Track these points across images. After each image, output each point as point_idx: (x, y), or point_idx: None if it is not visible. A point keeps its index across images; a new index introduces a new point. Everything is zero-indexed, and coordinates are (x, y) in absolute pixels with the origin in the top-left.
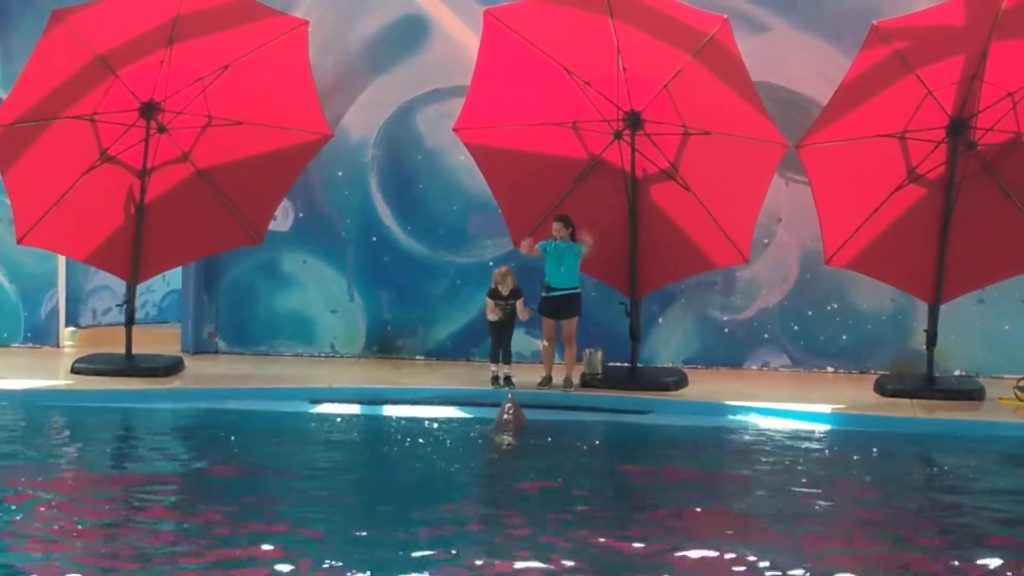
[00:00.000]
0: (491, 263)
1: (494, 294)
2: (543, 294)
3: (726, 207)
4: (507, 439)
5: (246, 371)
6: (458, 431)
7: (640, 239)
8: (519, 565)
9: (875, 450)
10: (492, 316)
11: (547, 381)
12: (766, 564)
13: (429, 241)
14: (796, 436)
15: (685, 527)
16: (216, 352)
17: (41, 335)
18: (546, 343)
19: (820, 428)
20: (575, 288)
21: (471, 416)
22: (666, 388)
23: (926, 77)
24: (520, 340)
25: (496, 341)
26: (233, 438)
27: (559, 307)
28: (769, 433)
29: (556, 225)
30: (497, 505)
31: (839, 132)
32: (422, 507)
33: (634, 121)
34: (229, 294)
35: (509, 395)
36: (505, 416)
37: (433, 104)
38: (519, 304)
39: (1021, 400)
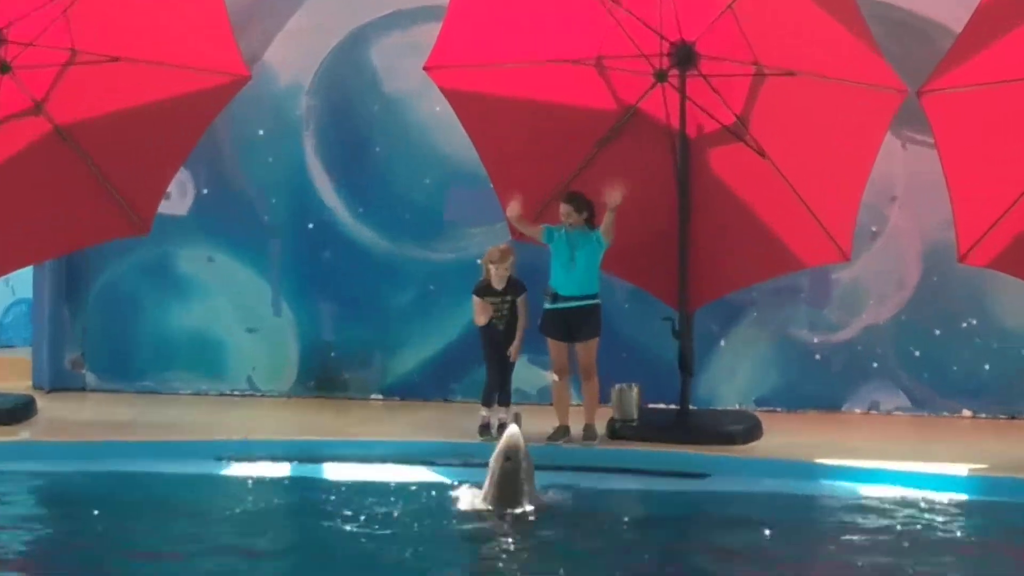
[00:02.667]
0: (477, 261)
1: (483, 288)
2: (546, 305)
3: (818, 181)
4: (504, 507)
5: (126, 417)
6: (430, 502)
7: (694, 228)
8: None
9: None
10: (480, 318)
11: (563, 433)
12: None
13: (390, 229)
14: (918, 510)
15: None
16: (83, 389)
17: None
18: (555, 376)
19: (953, 498)
20: (593, 297)
21: (448, 480)
22: (731, 440)
23: None
24: (521, 373)
25: (495, 373)
26: (106, 514)
27: (570, 324)
28: (879, 506)
29: (564, 208)
30: None
31: (978, 73)
32: None
33: (685, 56)
34: (100, 306)
35: (511, 422)
36: (503, 465)
37: (395, 31)
38: (518, 333)
39: None
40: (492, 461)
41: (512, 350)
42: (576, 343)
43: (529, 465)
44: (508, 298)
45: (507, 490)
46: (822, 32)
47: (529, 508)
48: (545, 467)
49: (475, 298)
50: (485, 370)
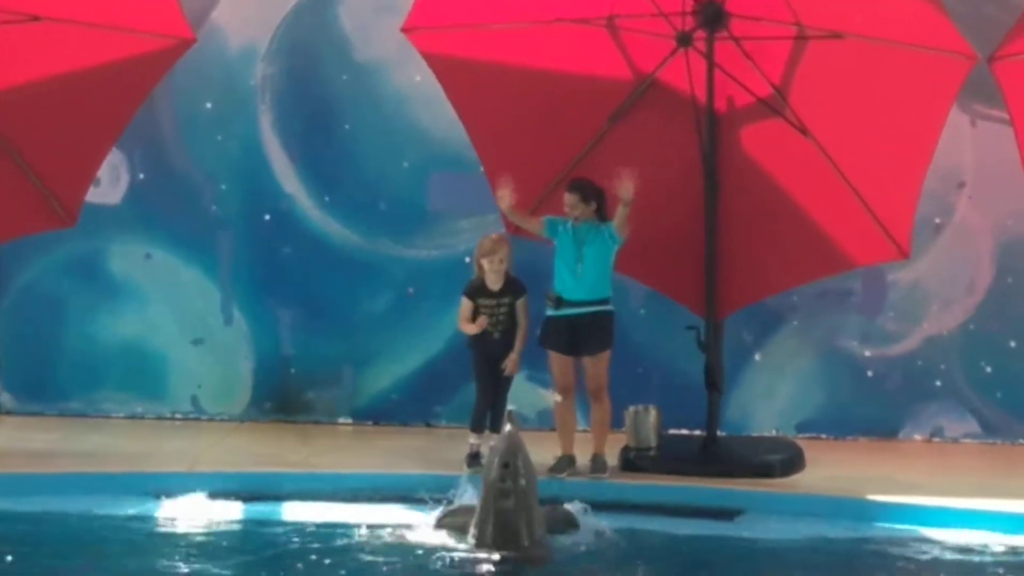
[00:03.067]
0: (466, 259)
1: (476, 289)
2: (549, 311)
3: (870, 164)
4: (500, 544)
5: (46, 444)
6: (408, 547)
7: (723, 220)
8: None
9: None
10: (470, 327)
11: (567, 463)
12: None
13: (361, 221)
14: (990, 556)
15: None
16: None
17: None
18: (558, 397)
19: None
20: (603, 302)
21: (431, 520)
22: (768, 473)
23: None
24: (518, 392)
25: (486, 392)
26: (23, 560)
27: (576, 334)
28: (943, 552)
29: (568, 198)
30: None
31: None
32: None
33: (713, 15)
34: (17, 314)
35: (505, 422)
36: (500, 474)
37: None
38: (516, 343)
39: None
40: (484, 475)
41: (509, 362)
42: (583, 357)
43: (532, 483)
44: (505, 300)
45: (505, 514)
46: None
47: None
48: (545, 504)
49: (464, 300)
50: (475, 388)
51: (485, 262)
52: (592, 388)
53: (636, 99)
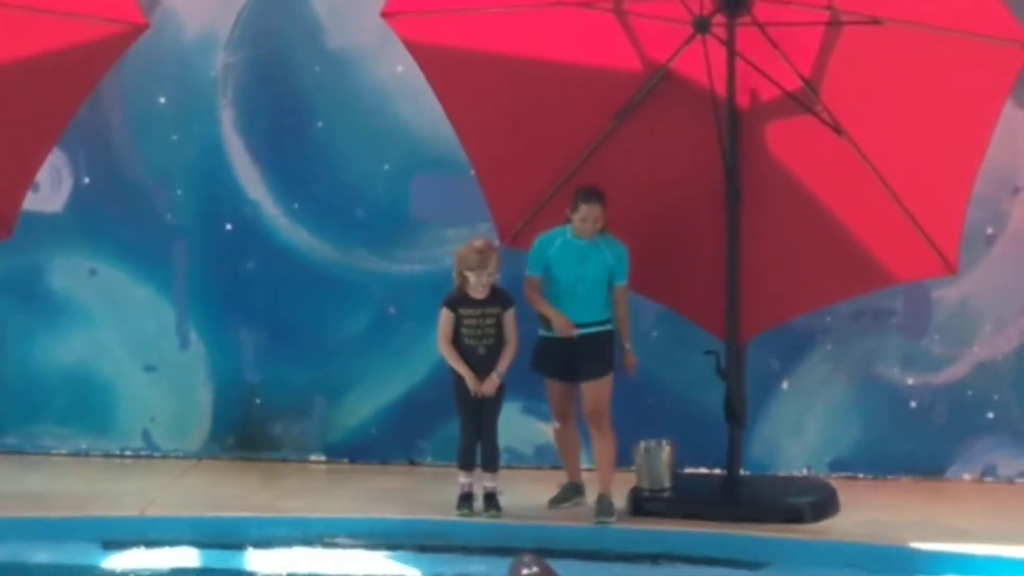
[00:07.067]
0: (455, 276)
1: (456, 298)
2: (541, 332)
3: (912, 166)
4: None
5: None
6: None
7: (745, 229)
8: None
9: None
10: (446, 347)
11: (573, 492)
12: None
13: (336, 232)
14: None
15: None
16: None
17: None
18: (558, 426)
19: None
20: (604, 323)
21: (416, 572)
22: (797, 518)
23: None
24: (513, 425)
25: (469, 421)
26: None
27: (573, 357)
28: None
29: (593, 210)
30: None
31: None
32: None
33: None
34: None
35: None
36: None
37: None
38: (500, 361)
39: None
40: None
41: (493, 375)
42: (582, 383)
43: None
44: (492, 311)
45: None
46: None
47: None
48: (550, 551)
49: (444, 312)
50: (460, 423)
51: (472, 276)
52: (591, 414)
53: (647, 93)
